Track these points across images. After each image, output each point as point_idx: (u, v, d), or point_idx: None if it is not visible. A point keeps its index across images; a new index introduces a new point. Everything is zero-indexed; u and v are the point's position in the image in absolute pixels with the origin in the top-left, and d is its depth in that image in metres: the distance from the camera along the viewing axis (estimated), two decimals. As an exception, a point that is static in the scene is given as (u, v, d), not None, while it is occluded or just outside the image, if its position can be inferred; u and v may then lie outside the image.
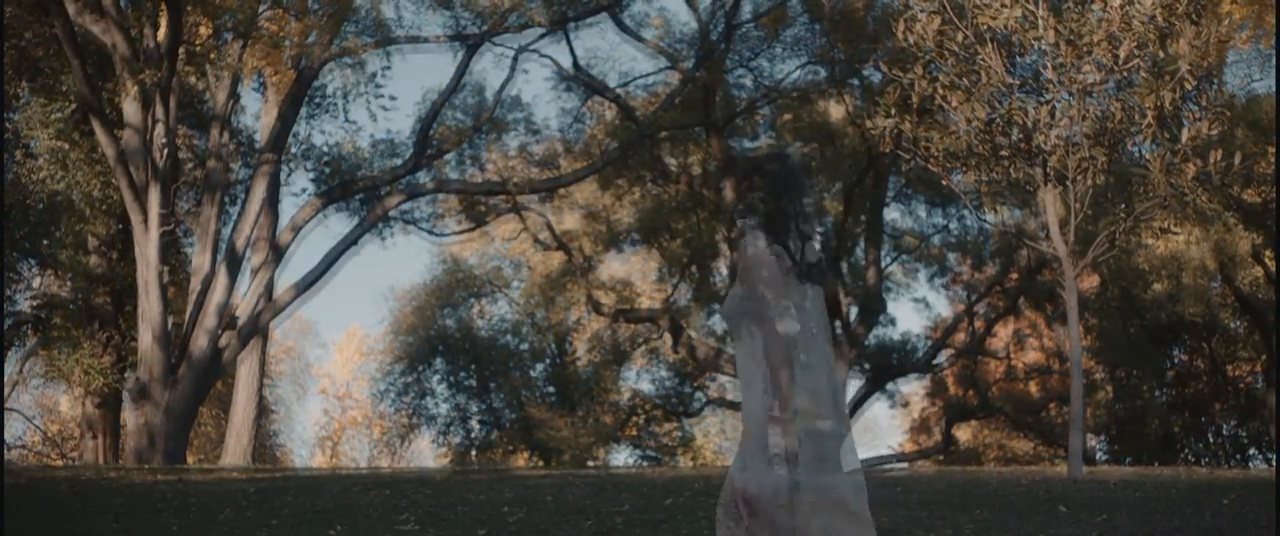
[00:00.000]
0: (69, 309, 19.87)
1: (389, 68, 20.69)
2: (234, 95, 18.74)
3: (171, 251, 18.80)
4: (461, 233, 24.58)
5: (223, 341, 17.66)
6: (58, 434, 28.63)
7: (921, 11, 10.91)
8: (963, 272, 28.11)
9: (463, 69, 20.02)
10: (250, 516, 8.24)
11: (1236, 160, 10.80)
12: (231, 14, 16.81)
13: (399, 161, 20.18)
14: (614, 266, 29.00)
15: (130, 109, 17.01)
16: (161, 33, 17.10)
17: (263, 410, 26.05)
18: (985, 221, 23.64)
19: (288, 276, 25.06)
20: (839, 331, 23.65)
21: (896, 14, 11.65)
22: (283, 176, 19.69)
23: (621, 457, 29.10)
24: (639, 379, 29.75)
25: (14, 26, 17.08)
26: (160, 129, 16.96)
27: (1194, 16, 10.34)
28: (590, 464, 25.57)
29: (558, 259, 26.91)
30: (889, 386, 27.65)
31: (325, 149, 20.15)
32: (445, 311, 29.66)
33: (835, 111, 23.97)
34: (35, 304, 20.45)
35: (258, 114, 21.25)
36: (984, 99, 10.68)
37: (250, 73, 18.95)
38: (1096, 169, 10.67)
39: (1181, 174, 10.41)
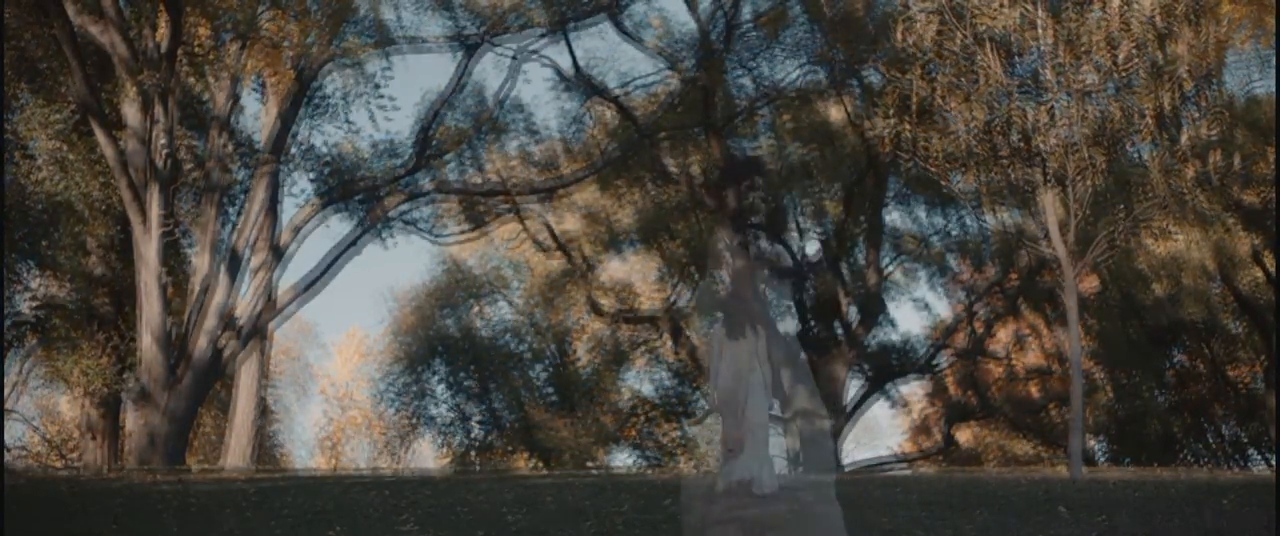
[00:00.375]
0: (69, 311, 19.84)
1: (389, 69, 20.77)
2: (234, 97, 18.74)
3: (172, 253, 18.78)
4: (461, 234, 24.57)
5: (223, 343, 17.66)
6: (58, 436, 28.58)
7: (920, 13, 10.92)
8: (963, 274, 28.08)
9: (462, 70, 20.09)
10: (250, 518, 8.24)
11: (1236, 161, 10.82)
12: (231, 16, 16.82)
13: (399, 163, 20.19)
14: (614, 268, 28.98)
15: (130, 111, 17.02)
16: (161, 35, 17.11)
17: (263, 412, 25.99)
18: (985, 223, 23.67)
19: (288, 278, 25.02)
20: (839, 332, 23.65)
21: (895, 16, 11.66)
22: (283, 178, 19.69)
23: (622, 459, 29.11)
24: (639, 380, 29.75)
25: (14, 29, 17.07)
26: (160, 131, 16.96)
27: (1192, 18, 10.34)
28: (590, 465, 25.55)
29: (558, 261, 26.89)
30: (889, 388, 27.62)
31: (325, 151, 20.18)
32: (445, 313, 29.64)
33: (835, 113, 23.97)
34: (35, 306, 20.41)
35: (257, 116, 21.25)
36: (983, 101, 10.69)
37: (250, 75, 18.96)
38: (1096, 170, 10.69)
39: (1181, 175, 10.43)
